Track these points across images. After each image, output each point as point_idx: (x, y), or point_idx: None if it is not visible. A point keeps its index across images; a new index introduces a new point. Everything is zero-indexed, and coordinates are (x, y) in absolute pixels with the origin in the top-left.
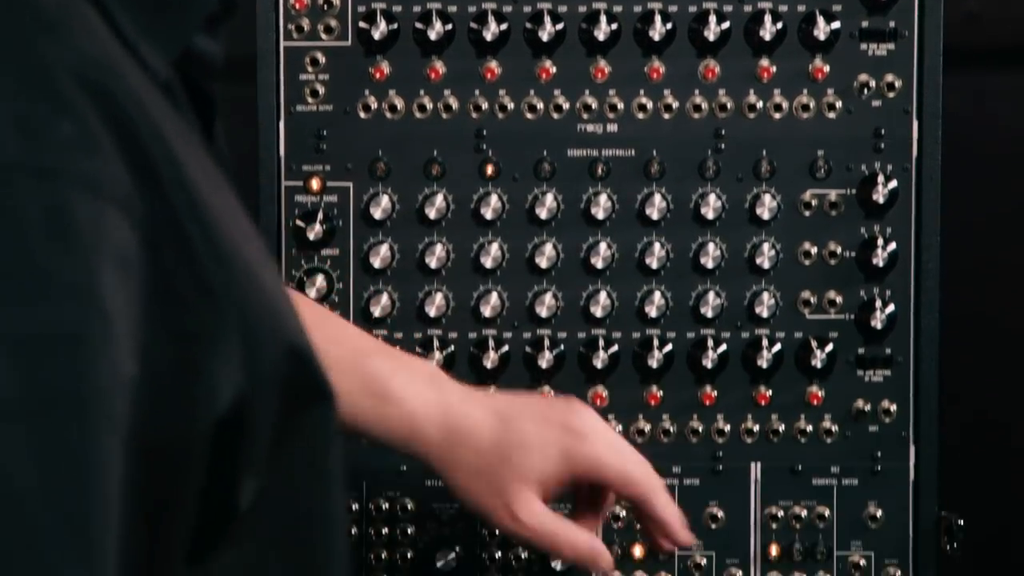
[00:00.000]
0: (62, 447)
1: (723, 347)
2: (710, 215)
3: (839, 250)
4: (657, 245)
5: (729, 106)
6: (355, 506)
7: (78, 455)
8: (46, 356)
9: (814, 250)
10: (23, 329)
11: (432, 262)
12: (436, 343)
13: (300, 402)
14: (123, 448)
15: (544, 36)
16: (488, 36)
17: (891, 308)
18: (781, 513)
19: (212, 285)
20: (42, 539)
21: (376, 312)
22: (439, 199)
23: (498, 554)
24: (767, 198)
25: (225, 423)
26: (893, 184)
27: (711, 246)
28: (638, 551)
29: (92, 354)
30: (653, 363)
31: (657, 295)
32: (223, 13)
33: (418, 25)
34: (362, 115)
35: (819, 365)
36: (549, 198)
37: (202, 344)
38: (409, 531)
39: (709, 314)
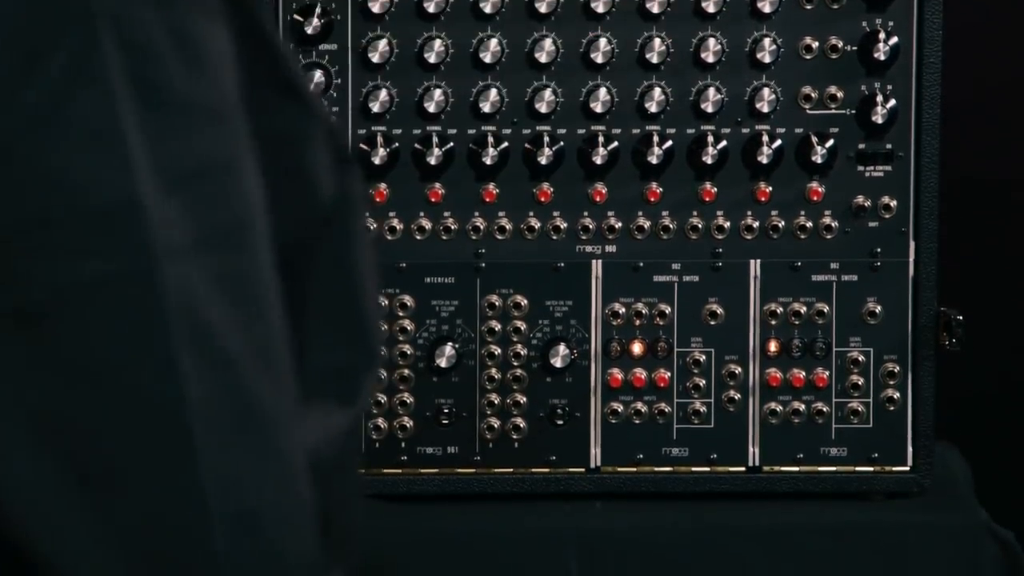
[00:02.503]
0: (241, 275)
1: (723, 143)
2: (711, 8)
3: (840, 44)
4: (657, 40)
5: None
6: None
7: (253, 279)
8: (209, 189)
9: (815, 44)
10: (179, 162)
11: (431, 57)
12: (435, 139)
13: (345, 172)
14: (273, 260)
15: None
16: None
17: (892, 103)
18: (780, 309)
19: (294, 83)
20: (243, 369)
21: (375, 108)
22: None
23: (497, 351)
24: None
25: (328, 212)
26: None
27: (712, 41)
28: (637, 348)
29: (242, 177)
30: (653, 159)
31: (657, 91)
32: None
33: None
34: None
35: (819, 161)
36: None
37: (298, 144)
38: (408, 328)
39: (709, 109)
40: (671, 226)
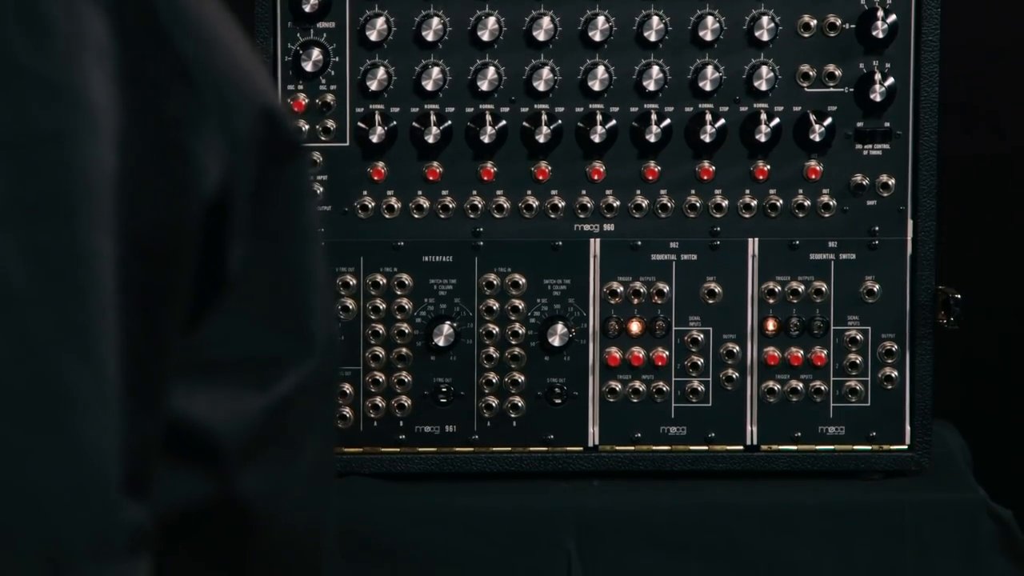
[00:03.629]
0: (55, 247)
1: (721, 121)
2: None
3: (838, 22)
4: (655, 18)
5: None
6: (352, 281)
7: (71, 254)
8: (33, 158)
9: (813, 22)
10: (7, 132)
11: (429, 35)
12: (433, 118)
13: (275, 161)
14: (114, 241)
15: None
16: None
17: (891, 81)
18: (778, 288)
19: (186, 64)
20: (40, 340)
21: (373, 86)
22: None
23: (495, 329)
24: None
25: (213, 201)
26: None
27: (710, 19)
28: (635, 327)
29: (78, 152)
30: (651, 138)
31: (655, 69)
32: None
33: None
34: None
35: (817, 139)
36: None
37: (183, 128)
38: (406, 306)
39: (708, 88)
40: (669, 205)
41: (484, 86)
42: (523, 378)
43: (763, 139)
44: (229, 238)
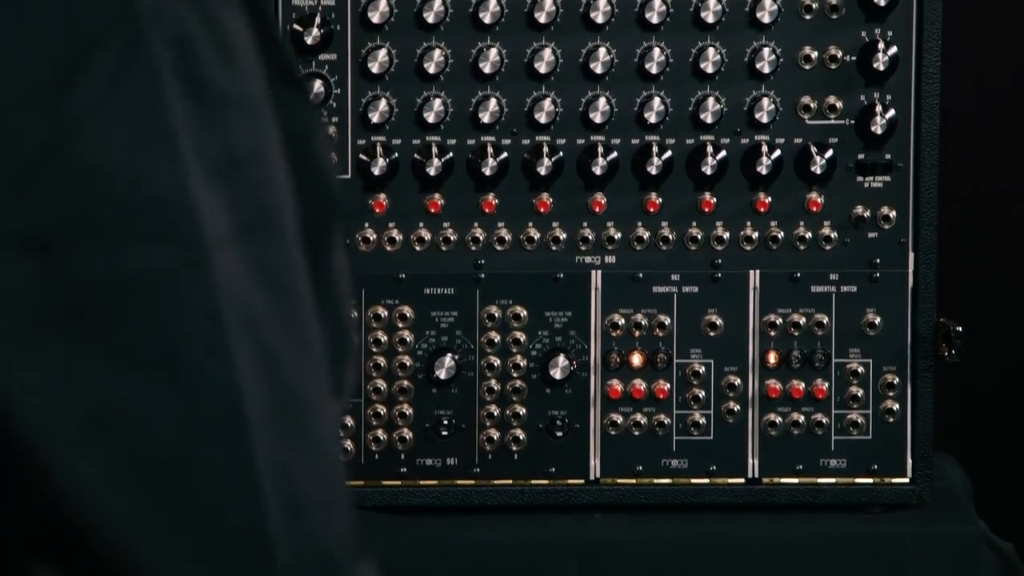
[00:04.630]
0: (278, 264)
1: (723, 153)
2: (710, 18)
3: (839, 54)
4: (657, 50)
5: None
6: (353, 313)
7: (288, 268)
8: (246, 179)
9: (815, 54)
10: (217, 153)
11: (431, 67)
12: (435, 150)
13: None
14: (302, 248)
15: None
16: None
17: (892, 113)
18: (779, 320)
19: (296, 74)
20: (283, 359)
21: (375, 118)
22: (437, 2)
23: (496, 362)
24: (767, 1)
25: (333, 198)
26: None
27: (711, 51)
28: (637, 359)
29: (272, 167)
30: (652, 170)
31: (657, 100)
32: None
33: None
34: None
35: (819, 171)
36: (548, 2)
37: (307, 134)
38: (408, 339)
39: (709, 120)
40: (670, 237)
41: (486, 118)
42: (524, 411)
43: (764, 171)
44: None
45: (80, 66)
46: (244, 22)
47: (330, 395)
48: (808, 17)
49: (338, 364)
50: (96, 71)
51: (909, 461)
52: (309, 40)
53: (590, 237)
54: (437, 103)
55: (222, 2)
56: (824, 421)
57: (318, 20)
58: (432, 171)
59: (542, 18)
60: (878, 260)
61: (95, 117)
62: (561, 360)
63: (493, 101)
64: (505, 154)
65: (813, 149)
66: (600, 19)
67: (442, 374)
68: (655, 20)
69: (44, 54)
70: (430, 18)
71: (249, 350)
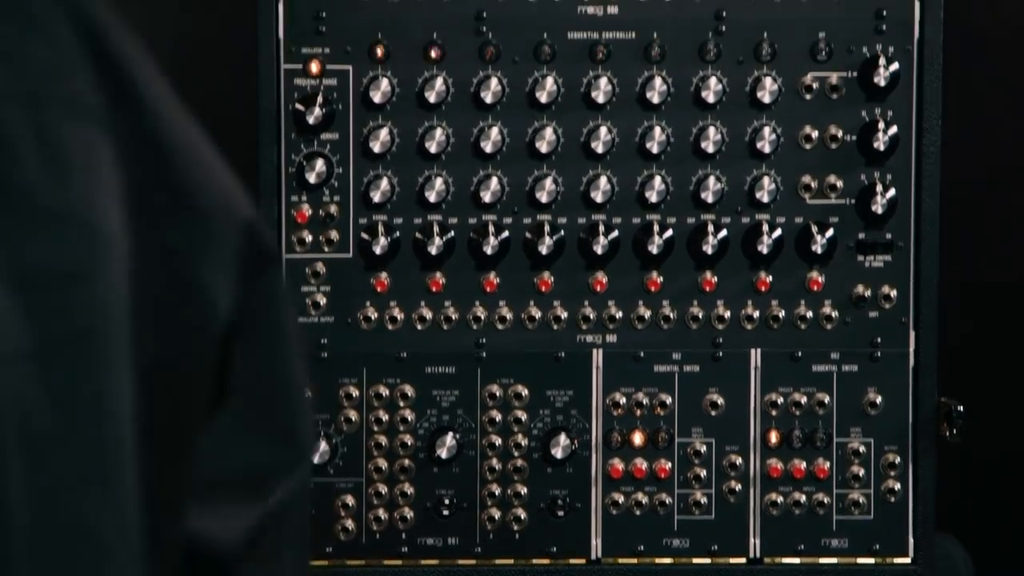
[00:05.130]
0: (78, 385)
1: (723, 232)
2: (711, 99)
3: (840, 134)
4: (657, 129)
5: None
6: (355, 393)
7: (94, 394)
8: (54, 293)
9: (815, 134)
10: (29, 266)
11: (432, 146)
12: (436, 228)
13: (259, 274)
14: (133, 377)
15: None
16: None
17: (892, 192)
18: (781, 400)
19: (187, 190)
20: (67, 487)
21: (376, 197)
22: (439, 82)
23: (498, 441)
24: (768, 81)
25: (224, 328)
26: (895, 67)
27: (712, 130)
28: (638, 438)
29: (97, 286)
30: (653, 248)
31: (657, 180)
32: None
33: None
34: None
35: (819, 250)
36: (549, 81)
37: (191, 257)
38: (409, 418)
39: (709, 199)
40: (671, 315)
41: (487, 197)
42: (526, 490)
43: (765, 250)
44: (231, 357)
45: None
46: (102, 135)
47: (140, 535)
48: (808, 97)
49: (269, 476)
50: None
51: (911, 541)
52: (311, 120)
53: (591, 316)
54: (438, 182)
55: (67, 113)
56: (826, 501)
57: (320, 100)
58: (433, 250)
59: (543, 98)
60: (879, 339)
61: None
62: (562, 439)
63: (494, 180)
64: (506, 233)
65: (814, 228)
66: (601, 99)
67: (443, 453)
68: (656, 100)
69: None
70: (431, 97)
71: (24, 472)
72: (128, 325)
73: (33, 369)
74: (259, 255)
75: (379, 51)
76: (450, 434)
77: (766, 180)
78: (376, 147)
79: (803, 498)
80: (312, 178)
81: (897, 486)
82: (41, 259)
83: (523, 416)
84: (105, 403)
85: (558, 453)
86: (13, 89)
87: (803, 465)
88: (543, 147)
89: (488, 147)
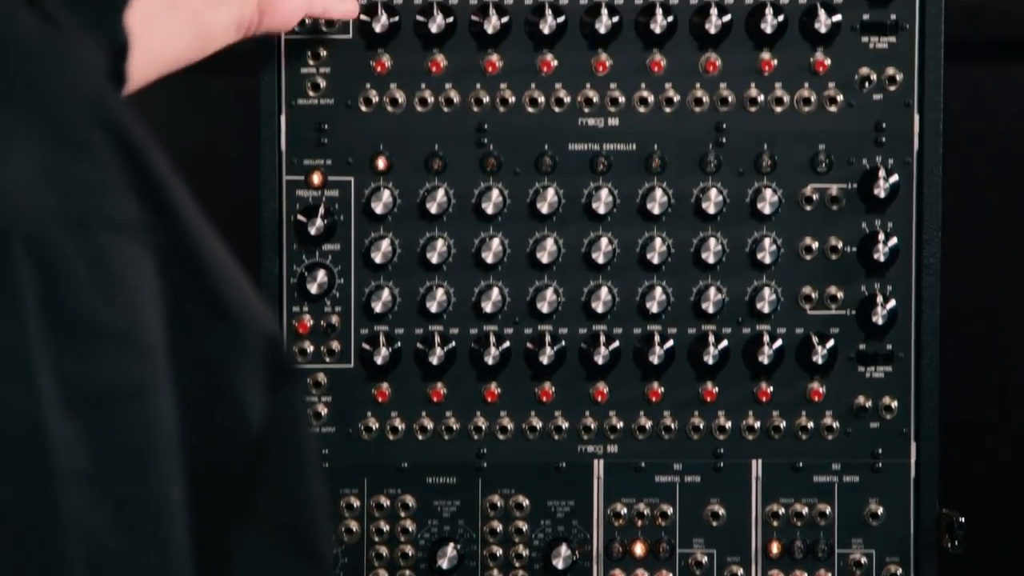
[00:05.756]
0: (142, 504)
1: (724, 343)
2: (711, 209)
3: (840, 245)
4: (658, 240)
5: (730, 100)
6: (356, 503)
7: (157, 509)
8: (110, 412)
9: (815, 245)
10: (84, 386)
11: (433, 257)
12: (437, 338)
13: (280, 387)
14: (184, 488)
15: (545, 29)
16: (489, 29)
17: (892, 304)
18: (782, 510)
19: (221, 303)
20: None
21: (377, 308)
22: (440, 193)
23: (499, 551)
24: (768, 192)
25: (257, 438)
26: (894, 178)
27: (712, 241)
28: (639, 549)
29: (151, 404)
30: (654, 359)
31: (658, 290)
32: None
33: (419, 18)
34: (363, 109)
35: (820, 361)
36: (550, 192)
37: (228, 369)
38: (410, 528)
39: (710, 310)
40: (672, 426)
41: (488, 307)
42: None
43: (766, 361)
44: (259, 470)
45: None
46: (144, 250)
47: None
48: (808, 208)
49: None
50: None
51: None
52: (313, 231)
53: (592, 426)
54: (440, 292)
55: (114, 233)
56: None
57: (322, 211)
58: (434, 360)
59: (544, 208)
60: (880, 450)
61: None
62: (564, 550)
63: (495, 291)
64: (507, 343)
65: (814, 339)
66: (602, 209)
67: (444, 564)
68: (656, 211)
69: None
70: (433, 208)
71: None
72: (176, 438)
73: (94, 488)
74: (282, 369)
75: (381, 162)
76: (451, 545)
77: (767, 291)
78: (378, 258)
79: None
80: (314, 289)
81: None
82: (95, 378)
83: (524, 527)
84: (164, 519)
85: (559, 564)
86: (64, 211)
87: None
88: (544, 257)
89: (489, 258)
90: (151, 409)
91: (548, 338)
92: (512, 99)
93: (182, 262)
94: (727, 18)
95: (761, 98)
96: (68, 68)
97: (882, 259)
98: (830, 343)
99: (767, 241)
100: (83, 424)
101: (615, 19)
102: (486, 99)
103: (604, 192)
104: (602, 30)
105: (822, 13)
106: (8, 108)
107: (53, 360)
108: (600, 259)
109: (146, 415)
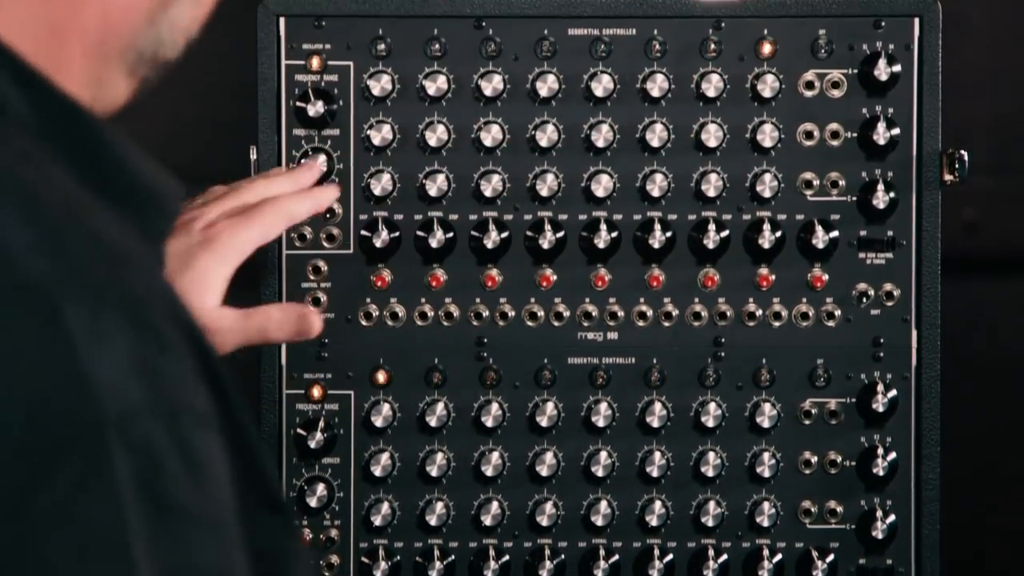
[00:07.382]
0: None
1: (724, 557)
2: (710, 423)
3: (839, 459)
4: (657, 454)
5: (729, 314)
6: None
7: None
8: None
9: (814, 459)
10: (181, 572)
11: (433, 470)
12: (436, 552)
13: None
14: None
15: (544, 244)
16: (489, 244)
17: (892, 518)
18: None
19: (278, 498)
20: None
21: (377, 521)
22: (440, 407)
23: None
24: (767, 407)
25: None
26: (893, 393)
27: (711, 455)
28: None
29: None
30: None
31: (658, 504)
32: None
33: (419, 233)
34: (363, 323)
35: None
36: (550, 406)
37: (283, 561)
38: None
39: (710, 522)
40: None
41: (487, 521)
42: None
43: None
44: None
45: (45, 473)
46: (220, 446)
47: None
48: (807, 422)
49: None
50: (56, 484)
51: None
52: (312, 444)
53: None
54: (439, 506)
55: (196, 423)
56: None
57: (321, 424)
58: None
59: (544, 422)
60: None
61: (55, 526)
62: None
63: (495, 503)
64: (507, 557)
65: (814, 554)
66: (601, 423)
67: (434, 422)
68: (655, 424)
69: (10, 455)
70: (432, 422)
71: None
72: None
73: None
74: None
75: (381, 376)
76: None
77: (766, 504)
78: (377, 471)
79: None
80: (313, 502)
81: None
82: (191, 565)
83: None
84: None
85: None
86: (155, 404)
87: None
88: (543, 471)
89: (489, 471)
90: None
91: (547, 552)
92: (512, 313)
93: (242, 451)
94: (725, 233)
95: (759, 313)
96: (143, 267)
97: (881, 474)
98: (830, 557)
99: (766, 455)
100: None
101: (614, 234)
102: (485, 313)
103: (603, 405)
104: (601, 245)
105: (819, 229)
106: (102, 308)
107: (149, 545)
108: (599, 472)
109: None
